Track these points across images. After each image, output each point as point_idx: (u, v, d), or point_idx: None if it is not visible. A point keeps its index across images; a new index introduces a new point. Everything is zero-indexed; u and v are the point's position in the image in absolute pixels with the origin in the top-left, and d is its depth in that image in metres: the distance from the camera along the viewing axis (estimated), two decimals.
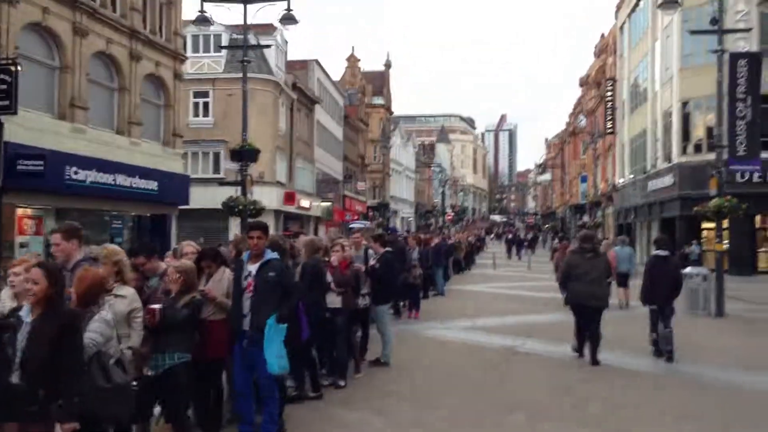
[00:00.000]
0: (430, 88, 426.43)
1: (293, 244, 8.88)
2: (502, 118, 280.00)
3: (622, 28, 44.55)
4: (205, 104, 32.20)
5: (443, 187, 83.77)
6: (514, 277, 27.95)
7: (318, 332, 7.66)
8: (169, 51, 22.77)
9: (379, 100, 69.65)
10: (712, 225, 31.76)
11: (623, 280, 17.17)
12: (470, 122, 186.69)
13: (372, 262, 9.56)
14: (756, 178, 27.55)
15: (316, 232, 37.37)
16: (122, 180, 18.84)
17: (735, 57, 16.90)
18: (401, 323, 13.96)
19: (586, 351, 10.08)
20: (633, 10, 41.36)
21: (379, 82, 71.47)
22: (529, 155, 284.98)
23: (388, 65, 73.17)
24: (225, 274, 6.44)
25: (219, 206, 29.72)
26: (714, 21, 15.68)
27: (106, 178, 18.12)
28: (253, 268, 6.06)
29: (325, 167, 45.03)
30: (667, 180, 32.76)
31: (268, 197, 32.00)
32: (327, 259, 8.45)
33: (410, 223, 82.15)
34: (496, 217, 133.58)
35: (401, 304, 15.03)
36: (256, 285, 5.97)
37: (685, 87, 30.99)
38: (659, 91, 34.93)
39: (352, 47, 67.71)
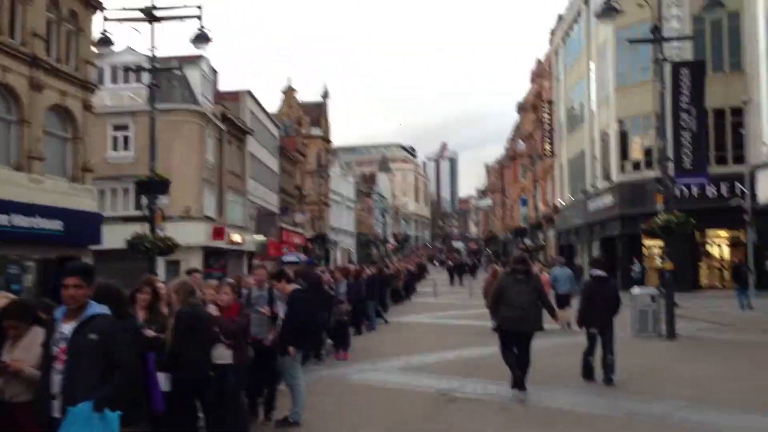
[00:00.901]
0: (370, 117, 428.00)
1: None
2: (443, 146, 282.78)
3: (557, 51, 44.61)
4: (125, 138, 30.26)
5: (384, 216, 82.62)
6: (456, 305, 26.70)
7: (200, 396, 6.13)
8: (77, 80, 20.95)
9: (316, 131, 68.41)
10: (654, 242, 31.68)
11: (564, 302, 16.73)
12: (411, 151, 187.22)
13: (279, 304, 8.11)
14: (694, 192, 27.22)
15: (250, 268, 35.49)
16: (19, 220, 16.88)
17: (677, 66, 16.16)
18: (325, 367, 12.37)
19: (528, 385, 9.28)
20: (567, 33, 41.43)
21: (317, 112, 70.29)
22: (471, 182, 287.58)
23: (325, 95, 72.06)
24: (38, 338, 4.69)
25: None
26: (655, 29, 14.90)
27: (0, 219, 16.18)
28: (68, 328, 4.27)
29: (260, 200, 43.28)
30: (607, 200, 32.32)
31: (195, 233, 30.22)
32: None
33: (351, 254, 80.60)
34: (459, 244, 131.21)
35: (322, 347, 13.42)
36: (69, 352, 4.20)
37: (621, 106, 30.71)
38: (596, 111, 34.69)
39: (289, 78, 66.47)
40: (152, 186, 15.36)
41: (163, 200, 30.24)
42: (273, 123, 48.52)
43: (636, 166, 30.42)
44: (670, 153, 15.37)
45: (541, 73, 54.16)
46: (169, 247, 15.33)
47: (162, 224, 16.13)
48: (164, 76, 30.73)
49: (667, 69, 15.63)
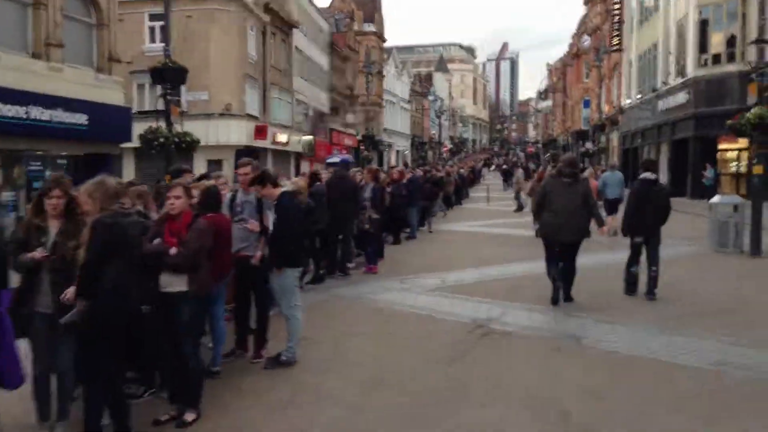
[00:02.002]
0: (428, 15, 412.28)
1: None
2: (504, 46, 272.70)
3: None
4: (162, 28, 28.64)
5: (439, 118, 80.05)
6: (507, 212, 24.98)
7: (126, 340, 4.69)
8: None
9: (370, 27, 65.40)
10: (730, 146, 28.97)
11: (614, 208, 16.09)
12: (471, 51, 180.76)
13: (268, 213, 6.62)
14: None
15: (298, 171, 34.30)
16: (38, 113, 15.78)
17: None
18: (348, 283, 10.93)
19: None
20: None
21: (371, 7, 67.00)
22: (532, 84, 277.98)
23: None
24: None
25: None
26: None
27: (15, 111, 15.08)
28: None
29: (308, 99, 41.61)
30: (681, 97, 29.47)
31: (236, 131, 29.04)
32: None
33: (406, 156, 78.87)
34: (521, 154, 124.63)
35: (351, 258, 12.06)
36: None
37: None
38: None
39: None
40: (167, 74, 13.81)
41: (200, 95, 29.21)
42: (323, 17, 46.08)
43: (716, 59, 27.35)
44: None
45: None
46: (188, 143, 13.86)
47: (179, 117, 14.62)
48: None
49: None
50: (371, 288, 10.59)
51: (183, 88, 28.72)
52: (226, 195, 7.04)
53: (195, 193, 5.70)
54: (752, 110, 12.27)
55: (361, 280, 11.39)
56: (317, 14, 44.26)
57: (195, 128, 28.28)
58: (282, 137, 34.37)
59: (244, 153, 29.38)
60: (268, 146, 32.36)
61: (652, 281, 9.05)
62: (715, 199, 13.33)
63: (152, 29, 28.83)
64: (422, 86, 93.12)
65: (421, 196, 17.99)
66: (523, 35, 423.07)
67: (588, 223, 8.64)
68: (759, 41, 12.47)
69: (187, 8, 28.33)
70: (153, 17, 28.61)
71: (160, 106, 14.35)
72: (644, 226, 9.08)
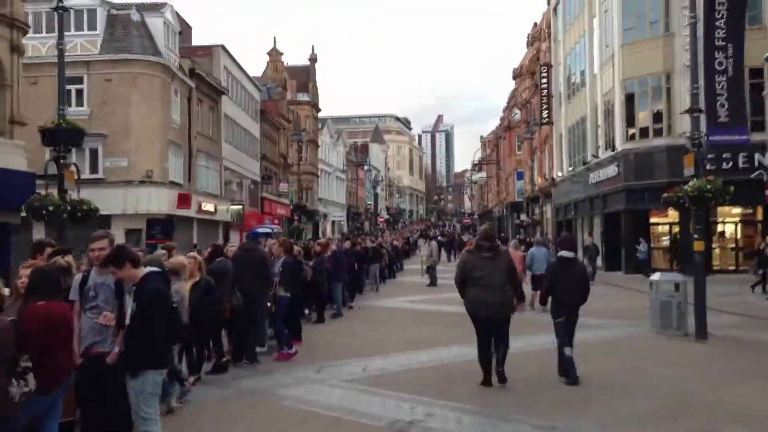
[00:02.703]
0: (363, 88, 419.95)
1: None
2: (439, 119, 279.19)
3: (556, 9, 41.47)
4: (79, 92, 27.24)
5: (375, 188, 79.78)
6: (443, 286, 24.03)
7: None
8: (2, 17, 17.98)
9: (304, 97, 65.26)
10: (662, 219, 29.03)
11: (538, 283, 15.66)
12: (406, 123, 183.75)
13: (128, 299, 5.33)
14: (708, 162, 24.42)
15: (225, 240, 32.71)
16: None
17: None
18: (253, 374, 9.54)
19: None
20: None
21: (304, 77, 67.07)
22: (467, 157, 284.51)
23: (313, 59, 68.70)
24: None
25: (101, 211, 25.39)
26: None
27: None
28: None
29: (238, 167, 40.38)
30: (611, 170, 29.56)
31: (157, 200, 27.46)
32: None
33: (342, 226, 77.93)
34: (457, 225, 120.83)
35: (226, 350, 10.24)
36: None
37: (628, 65, 27.82)
38: (598, 74, 31.78)
39: (274, 39, 62.83)
40: (60, 135, 12.38)
41: (120, 162, 27.67)
42: (253, 84, 45.41)
43: (643, 133, 27.60)
44: (701, 104, 12.44)
45: (539, 35, 51.02)
46: (85, 212, 12.34)
47: (74, 183, 13.15)
48: (121, 23, 27.90)
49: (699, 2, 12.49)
50: (280, 379, 9.23)
51: (100, 154, 27.39)
52: (77, 277, 5.71)
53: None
54: (690, 183, 11.72)
55: (273, 368, 10.01)
56: (248, 82, 43.52)
57: (113, 196, 26.96)
58: (209, 206, 32.88)
59: (167, 222, 27.81)
60: (192, 215, 30.79)
61: (568, 362, 8.66)
62: (656, 276, 12.61)
63: (69, 93, 27.26)
64: (358, 156, 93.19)
65: (347, 270, 16.82)
66: (457, 108, 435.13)
67: (512, 298, 8.46)
68: (692, 110, 12.03)
69: (107, 72, 27.13)
70: (70, 80, 27.13)
71: (53, 170, 12.83)
72: (564, 305, 8.80)
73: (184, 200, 28.34)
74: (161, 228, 26.33)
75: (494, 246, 8.49)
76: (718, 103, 12.74)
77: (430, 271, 25.41)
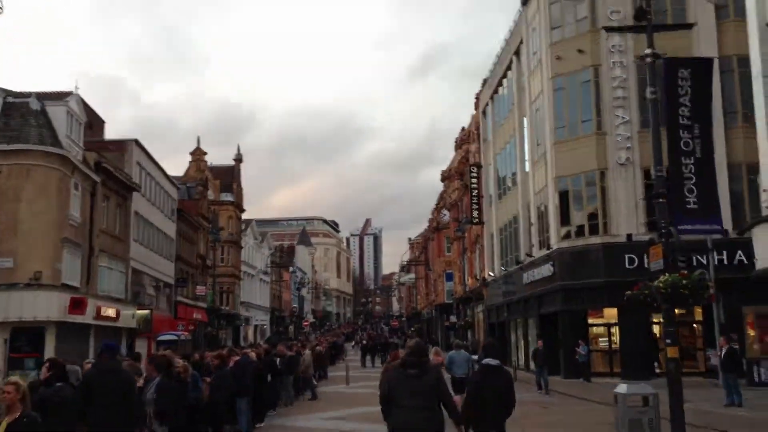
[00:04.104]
0: (290, 192, 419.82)
1: None
2: (367, 222, 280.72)
3: (484, 111, 41.31)
4: None
5: (299, 290, 76.78)
6: (368, 396, 21.35)
7: None
8: None
9: (227, 197, 62.96)
10: (599, 320, 27.56)
11: (461, 386, 15.07)
12: (334, 225, 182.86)
13: None
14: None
15: (130, 350, 29.22)
16: None
17: (673, 64, 11.58)
18: None
19: None
20: (495, 91, 38.22)
21: (228, 177, 65.04)
22: (394, 260, 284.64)
23: (238, 159, 67.00)
24: None
25: None
26: (641, 13, 10.64)
27: None
28: None
29: (148, 268, 37.22)
30: (546, 270, 28.15)
31: (45, 305, 24.12)
32: None
33: (265, 331, 74.03)
34: (385, 327, 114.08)
35: None
36: None
37: (560, 163, 26.99)
38: (530, 171, 30.95)
39: (198, 138, 60.91)
40: None
41: (4, 263, 24.39)
42: (170, 182, 42.89)
43: (579, 231, 26.45)
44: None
45: (467, 138, 50.97)
46: None
47: None
48: (18, 111, 25.37)
49: (658, 66, 11.00)
50: None
51: None
52: None
53: None
54: (661, 278, 9.95)
55: None
56: (163, 178, 40.98)
57: None
58: (110, 311, 29.46)
59: (63, 329, 24.27)
60: (89, 322, 27.33)
61: None
62: (621, 388, 10.57)
63: None
64: (283, 258, 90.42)
65: (254, 384, 14.03)
66: (384, 214, 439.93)
67: (443, 419, 7.30)
68: (657, 195, 10.40)
69: None
70: None
71: None
72: (487, 419, 7.86)
73: (77, 305, 25.01)
74: (28, 338, 22.90)
75: (422, 362, 7.42)
76: (686, 188, 11.26)
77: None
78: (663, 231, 9.99)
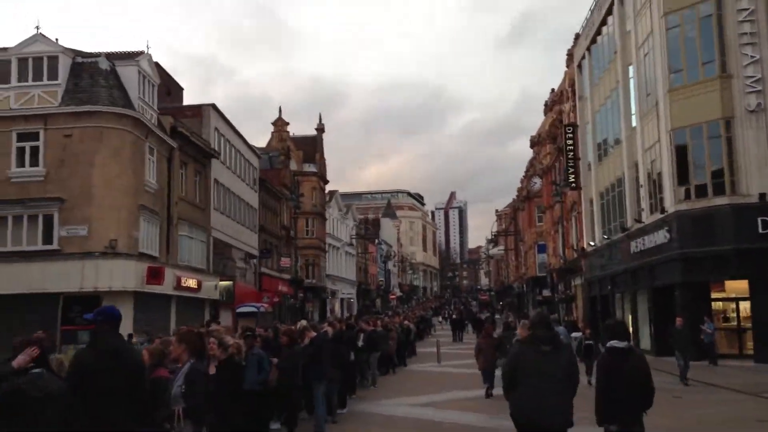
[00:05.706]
0: (375, 169, 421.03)
1: None
2: (452, 195, 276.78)
3: (580, 65, 37.86)
4: (34, 149, 23.38)
5: (386, 264, 75.21)
6: (463, 376, 19.22)
7: None
8: None
9: (310, 167, 61.77)
10: (730, 292, 24.35)
11: None
12: (419, 199, 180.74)
13: None
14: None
15: (209, 323, 28.13)
16: None
17: None
18: None
19: None
20: (593, 41, 34.74)
21: (311, 147, 63.82)
22: (480, 234, 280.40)
23: (320, 129, 65.65)
24: None
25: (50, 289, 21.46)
26: None
27: None
28: None
29: (231, 239, 36.21)
30: (660, 237, 24.99)
31: (120, 274, 23.15)
32: None
33: (352, 304, 73.07)
34: (474, 302, 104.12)
35: None
36: None
37: (677, 113, 23.67)
38: (638, 127, 27.67)
39: (279, 108, 59.88)
40: None
41: (78, 231, 23.52)
42: (251, 150, 41.74)
43: (701, 191, 23.18)
44: None
45: (559, 99, 47.48)
46: None
47: None
48: (87, 72, 24.29)
49: None
50: None
51: (56, 222, 23.29)
52: None
53: None
54: None
55: None
56: (243, 146, 39.81)
57: (66, 270, 22.69)
58: (191, 282, 28.49)
59: (142, 300, 23.24)
60: (170, 292, 26.36)
61: None
62: None
63: (22, 150, 23.44)
64: (369, 231, 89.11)
65: (332, 364, 12.01)
66: (468, 187, 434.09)
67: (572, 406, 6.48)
68: None
69: (66, 126, 23.34)
70: (23, 137, 23.38)
71: None
72: (619, 409, 6.85)
73: (155, 275, 23.96)
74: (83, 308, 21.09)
75: (554, 337, 6.65)
76: None
77: (486, 374, 16.20)
78: None
